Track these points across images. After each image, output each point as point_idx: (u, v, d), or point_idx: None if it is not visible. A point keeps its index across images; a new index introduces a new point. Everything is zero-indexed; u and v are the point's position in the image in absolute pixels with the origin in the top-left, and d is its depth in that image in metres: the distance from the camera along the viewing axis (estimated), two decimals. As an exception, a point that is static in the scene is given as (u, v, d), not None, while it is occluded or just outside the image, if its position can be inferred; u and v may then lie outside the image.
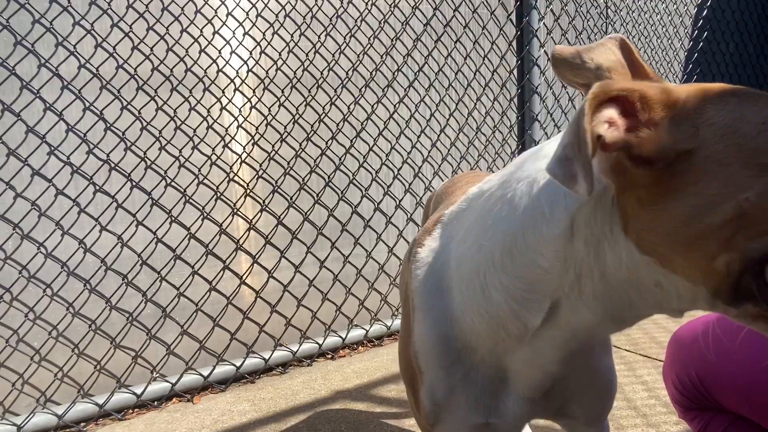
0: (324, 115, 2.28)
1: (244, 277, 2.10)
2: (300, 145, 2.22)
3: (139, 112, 1.90)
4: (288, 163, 2.20)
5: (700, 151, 0.52)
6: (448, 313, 0.71)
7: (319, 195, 2.27)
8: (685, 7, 3.61)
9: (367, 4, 2.34)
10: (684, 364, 0.95)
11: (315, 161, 2.27)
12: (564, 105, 3.05)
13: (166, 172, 1.95)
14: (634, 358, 2.06)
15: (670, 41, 3.55)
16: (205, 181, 2.03)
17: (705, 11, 3.67)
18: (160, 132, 1.94)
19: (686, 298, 0.56)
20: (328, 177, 2.29)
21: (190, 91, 2.00)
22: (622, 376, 1.92)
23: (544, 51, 2.90)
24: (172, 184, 1.96)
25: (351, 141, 2.35)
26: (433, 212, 0.98)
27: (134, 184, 1.89)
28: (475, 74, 2.70)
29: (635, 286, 0.58)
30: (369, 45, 2.37)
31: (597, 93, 0.51)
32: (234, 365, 2.05)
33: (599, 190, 0.57)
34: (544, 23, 2.90)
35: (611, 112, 0.53)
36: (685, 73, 3.62)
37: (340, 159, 2.32)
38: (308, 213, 2.24)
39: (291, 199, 2.20)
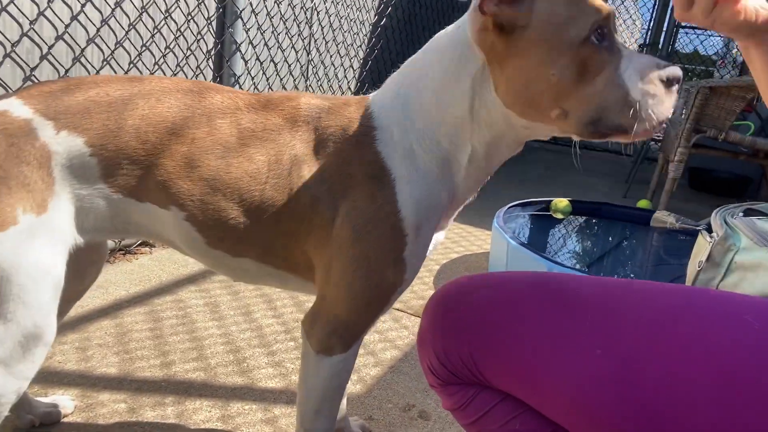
0: None
1: None
2: None
3: None
4: None
5: (530, 27, 0.75)
6: (421, 174, 0.86)
7: None
8: (365, 35, 3.51)
9: None
10: (454, 338, 0.80)
11: None
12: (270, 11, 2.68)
13: None
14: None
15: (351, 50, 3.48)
16: None
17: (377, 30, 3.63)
18: None
19: (548, 131, 0.82)
20: None
21: None
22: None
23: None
24: None
25: None
26: None
27: None
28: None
29: (509, 132, 0.84)
30: None
31: None
32: None
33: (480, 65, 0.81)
34: None
35: None
36: (359, 81, 3.59)
37: None
38: None
39: None
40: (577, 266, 2.11)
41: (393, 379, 1.49)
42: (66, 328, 1.55)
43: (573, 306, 0.72)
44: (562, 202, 2.61)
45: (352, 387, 1.43)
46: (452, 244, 2.72)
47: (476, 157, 0.87)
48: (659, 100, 0.73)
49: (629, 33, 8.89)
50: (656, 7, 6.47)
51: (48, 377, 1.34)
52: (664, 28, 6.37)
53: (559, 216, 2.62)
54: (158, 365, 1.43)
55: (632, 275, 2.14)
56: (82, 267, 1.08)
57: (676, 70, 0.74)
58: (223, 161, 0.86)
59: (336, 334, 0.88)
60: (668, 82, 0.74)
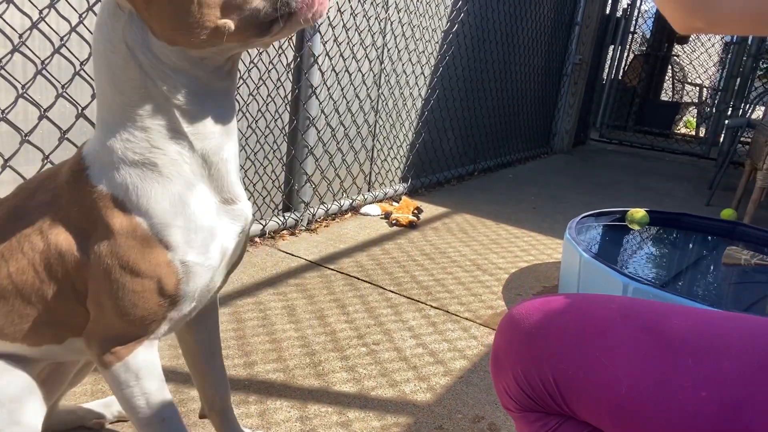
0: None
1: None
2: None
3: None
4: None
5: None
6: (145, 182, 0.82)
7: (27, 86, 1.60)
8: (436, 42, 3.59)
9: None
10: (537, 362, 0.75)
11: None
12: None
13: None
14: (399, 300, 2.03)
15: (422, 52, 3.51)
16: None
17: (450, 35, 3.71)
18: None
19: (225, 51, 0.78)
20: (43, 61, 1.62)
21: None
22: (390, 322, 1.86)
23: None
24: None
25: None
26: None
27: None
28: None
29: (194, 70, 0.78)
30: None
31: None
32: None
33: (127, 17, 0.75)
34: None
35: None
36: (429, 87, 3.65)
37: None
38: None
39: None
40: (654, 281, 2.05)
41: (462, 390, 1.52)
42: (160, 326, 1.69)
43: (671, 340, 0.68)
44: (638, 213, 2.53)
45: (422, 395, 1.48)
46: (521, 252, 2.70)
47: (193, 117, 0.81)
48: None
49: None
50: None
51: (145, 372, 1.46)
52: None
53: (636, 227, 2.55)
54: (242, 365, 1.54)
55: (713, 293, 2.06)
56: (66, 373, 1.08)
57: None
58: None
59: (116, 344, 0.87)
60: None
